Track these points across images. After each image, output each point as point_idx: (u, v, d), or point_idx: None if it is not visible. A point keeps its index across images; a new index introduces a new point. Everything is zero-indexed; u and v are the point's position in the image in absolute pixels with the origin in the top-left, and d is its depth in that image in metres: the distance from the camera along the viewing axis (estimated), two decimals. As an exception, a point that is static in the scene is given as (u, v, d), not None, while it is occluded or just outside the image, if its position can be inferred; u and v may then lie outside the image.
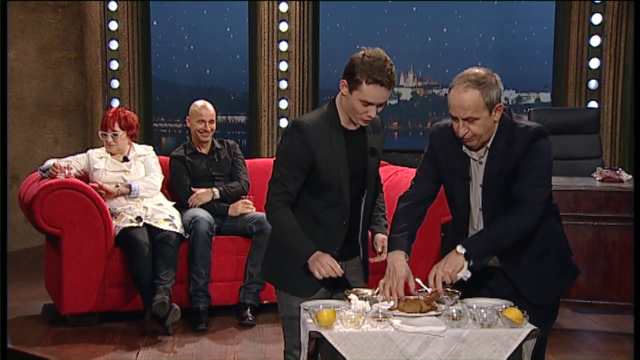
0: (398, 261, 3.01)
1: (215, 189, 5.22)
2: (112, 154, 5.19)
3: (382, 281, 3.00)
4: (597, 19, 7.36)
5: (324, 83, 7.77)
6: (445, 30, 7.86)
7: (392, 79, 2.97)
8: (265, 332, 4.80)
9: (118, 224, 4.90)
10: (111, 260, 4.86)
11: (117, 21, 7.53)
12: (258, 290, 5.04)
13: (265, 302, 5.10)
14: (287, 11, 7.59)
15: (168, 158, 5.37)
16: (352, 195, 3.08)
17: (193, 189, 5.22)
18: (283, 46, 7.62)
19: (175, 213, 5.09)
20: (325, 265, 2.95)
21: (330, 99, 3.13)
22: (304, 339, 2.84)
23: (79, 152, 5.40)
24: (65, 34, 7.44)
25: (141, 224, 4.89)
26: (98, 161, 5.16)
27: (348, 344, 2.72)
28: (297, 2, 7.58)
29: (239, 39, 7.81)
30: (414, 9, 7.90)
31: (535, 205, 2.97)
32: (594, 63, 7.40)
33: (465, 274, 2.94)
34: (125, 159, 5.19)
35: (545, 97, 7.76)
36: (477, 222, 3.10)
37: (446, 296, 2.96)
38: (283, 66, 7.64)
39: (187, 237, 4.98)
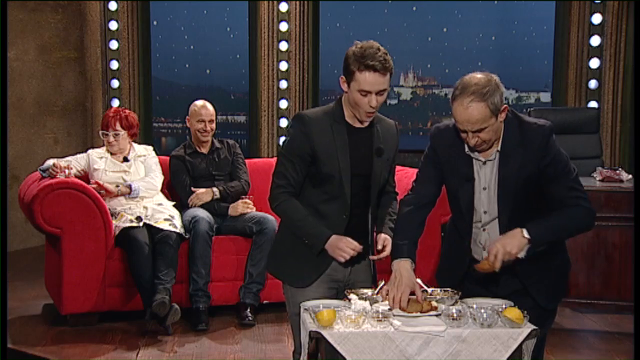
0: (405, 270, 3.00)
1: (215, 189, 5.22)
2: (112, 154, 5.19)
3: (385, 287, 3.00)
4: (597, 18, 7.37)
5: (324, 83, 7.77)
6: (445, 30, 7.86)
7: (385, 64, 2.98)
8: (265, 332, 4.80)
9: (118, 224, 4.90)
10: (111, 260, 4.86)
11: (117, 21, 7.53)
12: (258, 290, 5.04)
13: (265, 302, 5.11)
14: (287, 11, 7.60)
15: (168, 158, 5.37)
16: (355, 191, 3.08)
17: (193, 188, 5.22)
18: (283, 46, 7.63)
19: (175, 213, 5.09)
20: (346, 250, 3.00)
21: (338, 97, 3.16)
22: (304, 338, 2.84)
23: (79, 152, 5.41)
24: (65, 33, 7.44)
25: (141, 224, 4.89)
26: (98, 161, 5.16)
27: (348, 344, 2.72)
28: (297, 2, 7.58)
29: (239, 39, 7.81)
30: (414, 8, 7.90)
31: (591, 209, 3.04)
32: (594, 63, 7.41)
33: (521, 254, 2.94)
34: (126, 159, 5.19)
35: (545, 97, 7.77)
36: (481, 224, 3.06)
37: (446, 296, 2.97)
38: (283, 66, 7.65)
39: (187, 237, 4.98)
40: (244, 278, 5.07)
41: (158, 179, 5.19)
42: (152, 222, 4.90)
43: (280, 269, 3.22)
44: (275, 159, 3.19)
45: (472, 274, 3.09)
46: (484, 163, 3.03)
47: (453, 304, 2.93)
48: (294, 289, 3.13)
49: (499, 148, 3.00)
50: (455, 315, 2.79)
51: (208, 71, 8.01)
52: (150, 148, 5.36)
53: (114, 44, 7.55)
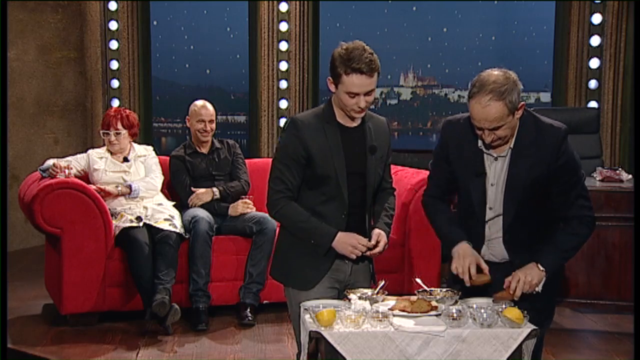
0: (464, 248, 3.03)
1: (215, 189, 5.22)
2: (112, 154, 5.19)
3: (453, 264, 3.03)
4: (597, 19, 7.37)
5: (324, 83, 7.70)
6: (445, 30, 7.86)
7: (371, 65, 2.98)
8: (265, 332, 4.80)
9: (118, 224, 4.90)
10: (111, 260, 4.86)
11: (117, 21, 7.53)
12: (258, 290, 5.03)
13: (265, 302, 5.10)
14: (287, 11, 7.60)
15: (168, 158, 5.37)
16: (351, 190, 3.09)
17: (193, 188, 5.22)
18: (283, 46, 7.63)
19: (175, 213, 5.09)
20: (358, 246, 3.04)
21: (328, 98, 3.16)
22: (304, 338, 2.84)
23: (79, 152, 5.41)
24: (65, 33, 7.44)
25: (141, 224, 4.89)
26: (98, 161, 5.16)
27: (348, 344, 2.72)
28: (297, 2, 7.58)
29: (239, 39, 7.81)
30: (414, 8, 7.90)
31: (594, 216, 3.09)
32: (594, 63, 7.41)
33: (539, 288, 3.01)
34: (126, 160, 5.19)
35: (545, 97, 7.77)
36: (488, 221, 3.07)
37: (446, 296, 2.97)
38: (283, 66, 7.65)
39: (187, 236, 4.98)
40: (244, 278, 5.07)
41: (158, 179, 5.19)
42: (152, 222, 4.90)
43: (283, 274, 3.20)
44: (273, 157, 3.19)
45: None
46: (496, 159, 3.02)
47: (453, 304, 2.93)
48: (297, 290, 3.13)
49: (511, 145, 3.00)
50: (455, 315, 2.79)
51: (208, 71, 8.01)
52: (151, 148, 5.36)
53: (114, 44, 7.55)
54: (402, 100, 7.97)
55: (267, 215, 5.03)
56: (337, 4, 7.82)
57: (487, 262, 3.07)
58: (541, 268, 2.97)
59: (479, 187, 3.04)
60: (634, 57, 7.13)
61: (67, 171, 4.92)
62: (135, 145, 5.27)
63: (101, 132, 5.21)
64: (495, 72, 2.91)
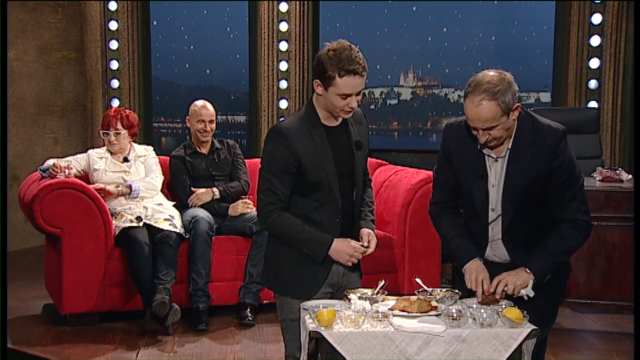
0: (476, 266, 3.02)
1: (215, 189, 5.22)
2: (112, 154, 5.19)
3: (466, 280, 3.03)
4: (597, 19, 7.37)
5: (324, 83, 7.75)
6: (445, 30, 7.86)
7: (363, 65, 2.95)
8: (265, 332, 4.80)
9: (118, 224, 4.90)
10: (111, 260, 4.86)
11: (117, 21, 7.53)
12: (258, 290, 5.03)
13: (265, 302, 5.10)
14: (287, 11, 7.60)
15: (168, 158, 5.37)
16: (342, 192, 3.06)
17: (193, 188, 5.22)
18: (283, 46, 7.63)
19: (175, 213, 5.09)
20: (355, 254, 3.03)
21: (308, 100, 3.11)
22: (304, 338, 2.84)
23: (79, 152, 5.41)
24: (65, 33, 7.44)
25: (141, 224, 4.89)
26: (98, 161, 5.16)
27: (348, 344, 2.72)
28: (297, 2, 7.59)
29: (239, 39, 7.81)
30: (414, 8, 7.90)
31: (590, 221, 3.09)
32: (594, 63, 7.41)
33: (528, 292, 2.99)
34: (126, 160, 5.19)
35: (545, 97, 7.77)
36: (491, 223, 3.07)
37: (446, 296, 2.97)
38: (283, 66, 7.65)
39: (187, 236, 4.98)
40: (244, 278, 5.07)
41: (158, 179, 5.19)
42: (152, 222, 4.90)
43: (279, 284, 3.13)
44: (260, 168, 3.14)
45: None
46: (496, 160, 3.03)
47: (453, 304, 2.93)
48: (292, 299, 3.08)
49: (510, 146, 3.00)
50: (455, 315, 2.79)
51: (208, 71, 8.01)
52: (151, 148, 5.36)
53: (114, 44, 7.55)
54: (402, 100, 7.97)
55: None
56: (337, 4, 7.82)
57: (491, 262, 3.08)
58: (528, 271, 2.98)
59: (481, 188, 3.04)
60: (634, 57, 7.13)
61: (67, 171, 4.92)
62: (135, 145, 5.27)
63: (101, 132, 5.21)
64: (491, 73, 2.92)
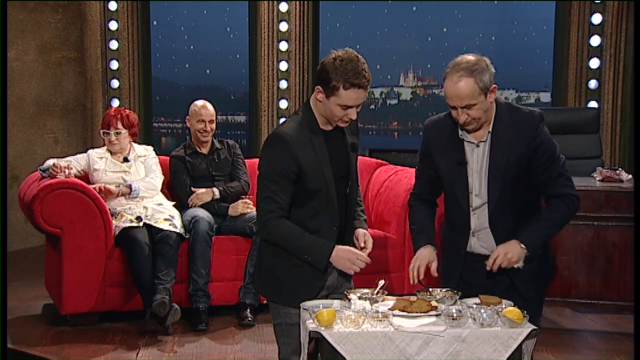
0: (423, 250, 3.15)
1: (215, 189, 5.22)
2: (112, 154, 5.19)
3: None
4: (597, 19, 7.36)
5: (324, 83, 7.75)
6: (445, 30, 7.86)
7: (368, 79, 2.94)
8: (265, 332, 4.80)
9: (118, 224, 4.90)
10: (111, 260, 4.86)
11: (117, 21, 7.53)
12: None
13: (265, 302, 5.08)
14: (287, 11, 7.60)
15: (168, 158, 5.37)
16: (338, 197, 3.03)
17: (193, 188, 5.22)
18: (283, 46, 7.63)
19: (175, 213, 5.09)
20: (357, 262, 2.98)
21: (304, 103, 3.09)
22: (304, 338, 2.84)
23: (79, 152, 5.41)
24: (65, 34, 7.44)
25: (141, 224, 4.89)
26: (98, 161, 5.16)
27: (348, 344, 2.72)
28: (297, 2, 7.58)
29: (239, 39, 7.81)
30: (414, 9, 7.90)
31: (577, 195, 3.15)
32: (594, 63, 7.41)
33: (520, 264, 3.07)
34: (126, 160, 5.19)
35: (545, 97, 7.77)
36: (472, 208, 3.12)
37: (446, 296, 2.97)
38: (283, 66, 7.65)
39: (187, 236, 4.98)
40: (244, 278, 5.07)
41: (158, 179, 5.19)
42: (152, 222, 4.90)
43: (274, 291, 3.10)
44: (258, 174, 3.11)
45: (466, 272, 3.17)
46: (477, 145, 3.10)
47: (453, 304, 2.93)
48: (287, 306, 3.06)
49: (490, 129, 3.09)
50: (455, 315, 2.79)
51: (208, 71, 8.01)
52: (151, 148, 5.36)
53: (114, 44, 7.55)
54: (402, 100, 7.97)
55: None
56: (337, 4, 7.82)
57: (477, 255, 3.14)
58: (522, 245, 3.03)
59: (462, 175, 3.11)
60: (634, 57, 7.13)
61: (67, 171, 4.92)
62: (135, 145, 5.27)
63: (101, 131, 5.21)
64: (468, 56, 3.06)
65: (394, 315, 2.82)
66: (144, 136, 7.37)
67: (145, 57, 7.66)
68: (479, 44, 7.76)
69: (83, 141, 7.47)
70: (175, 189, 5.31)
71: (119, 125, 5.13)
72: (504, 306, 2.87)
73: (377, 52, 7.60)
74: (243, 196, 5.27)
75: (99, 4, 7.44)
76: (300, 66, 7.67)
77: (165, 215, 4.98)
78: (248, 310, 4.98)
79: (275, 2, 7.57)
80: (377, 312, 2.79)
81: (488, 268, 3.03)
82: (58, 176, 4.86)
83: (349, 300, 2.92)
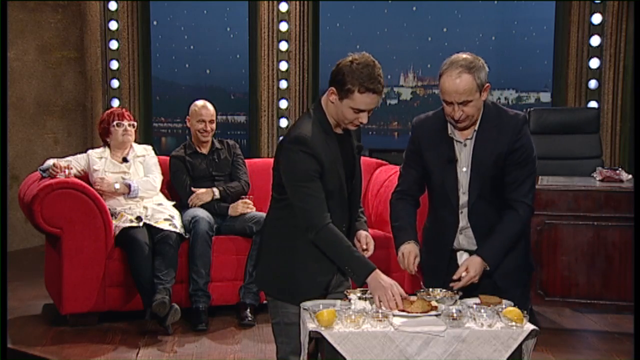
0: (407, 246, 3.17)
1: (215, 189, 5.22)
2: (111, 154, 5.18)
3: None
4: (597, 19, 7.37)
5: (324, 83, 7.77)
6: (445, 30, 7.86)
7: (383, 84, 2.96)
8: (265, 332, 4.80)
9: (118, 224, 4.90)
10: (111, 260, 4.86)
11: (117, 21, 7.53)
12: (258, 290, 5.03)
13: (265, 302, 5.08)
14: (287, 11, 7.60)
15: (168, 158, 5.37)
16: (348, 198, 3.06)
17: (193, 188, 5.22)
18: (283, 46, 7.63)
19: (175, 213, 5.09)
20: (390, 300, 2.86)
21: (314, 105, 3.08)
22: (304, 338, 2.84)
23: (79, 152, 5.40)
24: (65, 34, 7.44)
25: (141, 224, 4.89)
26: (97, 162, 5.16)
27: (348, 344, 2.72)
28: (297, 2, 7.59)
29: (239, 39, 7.81)
30: (414, 9, 7.90)
31: (533, 207, 3.23)
32: (594, 63, 7.41)
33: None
34: (125, 160, 5.19)
35: (545, 97, 7.77)
36: (459, 207, 3.18)
37: (446, 296, 2.97)
38: (283, 66, 7.65)
39: (187, 236, 4.98)
40: (244, 278, 5.07)
41: (157, 179, 5.19)
42: (152, 222, 4.90)
43: (275, 288, 3.10)
44: (274, 159, 3.12)
45: (452, 268, 3.20)
46: (464, 145, 3.16)
47: (453, 304, 2.93)
48: (288, 303, 3.05)
49: (476, 128, 3.15)
50: (455, 315, 2.79)
51: (208, 71, 8.01)
52: (150, 148, 5.36)
53: (114, 44, 7.55)
54: (402, 100, 7.97)
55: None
56: (337, 4, 7.82)
57: (468, 251, 3.20)
58: (485, 263, 3.11)
59: (451, 173, 3.17)
60: (634, 57, 7.13)
61: (67, 171, 4.92)
62: (134, 145, 5.27)
63: (115, 123, 5.16)
64: (464, 54, 3.10)
65: (394, 315, 2.82)
66: (144, 136, 7.38)
67: (145, 57, 7.66)
68: (479, 44, 7.76)
69: (83, 141, 7.47)
70: (175, 189, 5.31)
71: (130, 118, 5.18)
72: (504, 306, 2.87)
73: (377, 52, 7.49)
74: (243, 196, 5.27)
75: (99, 4, 7.44)
76: (300, 66, 7.67)
77: (165, 215, 4.99)
78: (248, 310, 4.98)
79: (275, 2, 7.57)
80: (377, 312, 2.79)
81: (452, 285, 3.07)
82: (58, 176, 4.86)
83: (349, 300, 2.92)
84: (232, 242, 5.12)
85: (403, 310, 2.87)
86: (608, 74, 7.38)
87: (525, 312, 2.83)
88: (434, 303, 2.92)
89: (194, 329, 4.82)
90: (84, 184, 4.89)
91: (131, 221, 4.89)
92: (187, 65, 7.97)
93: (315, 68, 7.71)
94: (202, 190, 5.21)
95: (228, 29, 7.95)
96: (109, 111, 5.30)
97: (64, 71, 7.46)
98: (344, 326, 2.75)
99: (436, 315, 2.86)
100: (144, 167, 5.20)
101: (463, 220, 3.20)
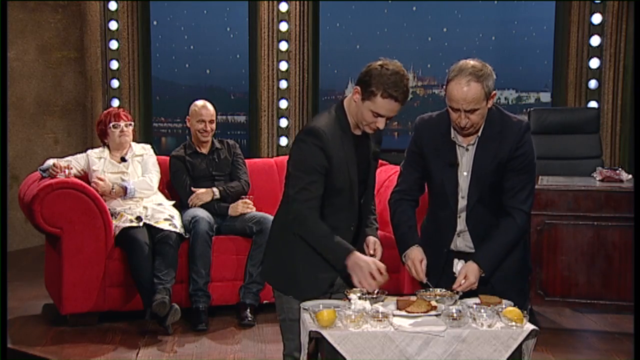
0: (413, 250, 3.17)
1: (215, 189, 5.22)
2: (110, 154, 5.18)
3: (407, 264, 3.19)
4: (597, 18, 7.36)
5: (324, 83, 7.77)
6: (445, 30, 7.86)
7: (406, 95, 2.96)
8: (265, 332, 4.80)
9: (118, 224, 4.90)
10: (111, 260, 4.86)
11: (117, 21, 7.53)
12: (258, 290, 5.04)
13: (265, 302, 5.10)
14: (287, 11, 7.60)
15: (168, 158, 5.37)
16: (359, 200, 3.09)
17: (193, 188, 5.22)
18: (283, 46, 7.63)
19: (175, 213, 5.09)
20: (367, 276, 2.89)
21: (338, 101, 3.11)
22: (304, 338, 2.84)
23: (79, 152, 5.40)
24: (65, 33, 7.44)
25: (141, 224, 4.89)
26: (97, 162, 5.16)
27: (348, 344, 2.72)
28: (297, 2, 7.58)
29: (239, 39, 7.81)
30: (414, 9, 7.90)
31: (530, 214, 3.25)
32: (594, 63, 7.41)
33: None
34: (123, 159, 5.19)
35: (545, 97, 7.77)
36: (458, 211, 3.19)
37: (446, 296, 2.97)
38: (283, 66, 7.65)
39: (187, 236, 4.98)
40: (244, 278, 5.07)
41: (154, 178, 5.17)
42: (152, 222, 4.90)
43: (281, 282, 3.13)
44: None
45: (449, 269, 3.23)
46: (467, 149, 3.17)
47: (453, 304, 2.93)
48: (292, 298, 3.07)
49: (479, 134, 3.15)
50: (455, 315, 2.79)
51: (208, 71, 8.01)
52: (148, 146, 5.35)
53: (114, 44, 7.55)
54: (402, 100, 7.96)
55: (267, 215, 5.04)
56: (337, 4, 7.82)
57: (460, 252, 3.22)
58: (481, 269, 3.10)
59: (452, 177, 3.18)
60: (634, 57, 7.13)
61: (67, 171, 4.92)
62: (133, 144, 5.27)
63: (111, 125, 5.17)
64: (472, 61, 3.08)
65: (394, 315, 2.82)
66: (144, 136, 7.38)
67: (145, 57, 7.66)
68: (479, 44, 7.76)
69: (83, 141, 7.47)
70: (175, 189, 5.31)
71: (126, 119, 5.17)
72: (504, 306, 2.87)
73: (377, 52, 7.54)
74: (243, 196, 5.27)
75: (99, 4, 7.44)
76: (300, 66, 7.67)
77: (165, 215, 4.99)
78: (248, 310, 4.98)
79: (275, 2, 7.57)
80: (377, 312, 2.79)
81: (455, 287, 3.07)
82: (58, 176, 4.86)
83: (349, 300, 2.92)
84: (232, 242, 5.12)
85: (406, 310, 2.87)
86: (608, 74, 7.38)
87: (525, 312, 2.83)
88: (434, 303, 2.92)
89: (194, 329, 4.82)
90: (84, 184, 4.89)
91: (131, 221, 4.89)
92: (187, 65, 7.97)
93: (315, 68, 7.71)
94: (202, 190, 5.21)
95: (228, 29, 7.94)
96: (105, 112, 5.30)
97: (64, 71, 7.46)
98: (344, 326, 2.75)
99: (436, 315, 2.86)
100: (142, 167, 5.20)
101: (461, 224, 3.21)
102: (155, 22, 7.76)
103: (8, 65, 6.83)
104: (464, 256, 3.20)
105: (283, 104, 7.68)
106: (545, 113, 6.16)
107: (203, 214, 5.05)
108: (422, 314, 2.86)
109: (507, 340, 2.77)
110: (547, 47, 7.61)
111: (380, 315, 2.77)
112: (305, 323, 2.84)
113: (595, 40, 7.39)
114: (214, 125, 5.34)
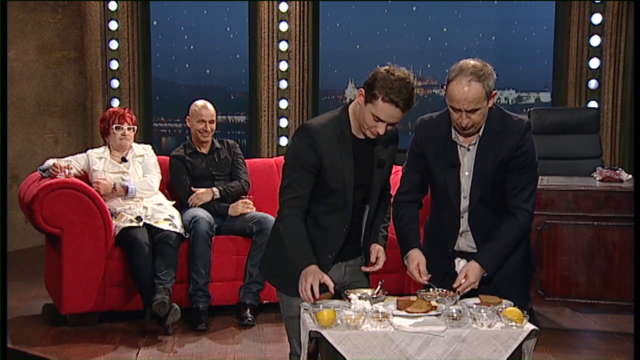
0: (414, 252, 3.16)
1: (215, 189, 5.22)
2: (110, 155, 5.18)
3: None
4: (597, 18, 7.37)
5: (324, 83, 7.77)
6: (445, 30, 7.86)
7: (409, 102, 2.96)
8: (265, 332, 4.80)
9: (118, 224, 4.90)
10: (111, 260, 4.86)
11: (117, 21, 7.53)
12: (258, 290, 5.04)
13: (265, 302, 5.11)
14: (287, 11, 7.60)
15: (168, 158, 5.37)
16: (355, 202, 3.07)
17: (193, 188, 5.22)
18: (283, 46, 7.63)
19: (175, 213, 5.09)
20: (305, 289, 2.88)
21: (345, 104, 3.12)
22: (304, 338, 2.84)
23: (79, 152, 5.40)
24: (65, 33, 7.44)
25: (141, 224, 4.89)
26: (97, 162, 5.16)
27: (348, 344, 2.72)
28: (297, 2, 7.59)
29: (239, 39, 7.81)
30: (414, 8, 7.90)
31: (533, 213, 3.23)
32: (594, 63, 7.41)
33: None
34: (124, 160, 5.19)
35: (545, 97, 7.77)
36: (461, 211, 3.19)
37: (446, 296, 2.97)
38: (283, 66, 7.65)
39: (187, 236, 4.98)
40: (244, 278, 5.07)
41: (155, 179, 5.18)
42: (152, 222, 4.90)
43: (277, 278, 3.17)
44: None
45: (452, 269, 3.22)
46: (468, 149, 3.17)
47: (453, 304, 2.93)
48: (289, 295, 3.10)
49: (480, 134, 3.15)
50: (455, 315, 2.79)
51: (208, 71, 8.01)
52: (149, 147, 5.35)
53: (114, 44, 7.55)
54: (402, 100, 7.96)
55: (267, 215, 5.04)
56: (337, 4, 7.82)
57: (463, 252, 3.21)
58: (483, 269, 3.10)
59: (454, 177, 3.17)
60: (634, 57, 7.13)
61: (67, 171, 4.91)
62: (134, 144, 5.27)
63: (114, 126, 5.16)
64: (473, 61, 3.08)
65: (394, 315, 2.82)
66: (144, 136, 7.38)
67: (145, 57, 7.66)
68: (479, 44, 7.77)
69: (83, 141, 7.47)
70: (175, 189, 5.31)
71: (130, 122, 5.16)
72: (504, 306, 2.87)
73: (377, 52, 7.60)
74: (243, 196, 5.27)
75: (99, 4, 7.44)
76: (300, 66, 7.67)
77: (165, 215, 4.99)
78: (248, 310, 4.98)
79: (275, 2, 7.58)
80: (377, 312, 2.79)
81: (456, 286, 3.07)
82: (58, 176, 4.86)
83: (349, 300, 2.92)
84: (232, 242, 5.12)
85: (406, 310, 2.88)
86: (608, 74, 7.38)
87: (525, 312, 2.83)
88: (434, 303, 2.92)
89: (194, 329, 4.82)
90: (84, 184, 4.89)
91: (131, 221, 4.89)
92: (187, 65, 7.97)
93: (315, 68, 7.71)
94: (202, 190, 5.21)
95: (228, 29, 7.95)
96: (111, 110, 5.28)
97: (64, 71, 7.46)
98: (344, 326, 2.75)
99: (436, 315, 2.86)
100: (142, 167, 5.20)
101: (464, 224, 3.21)
102: (155, 22, 7.76)
103: (8, 65, 6.83)
104: (467, 256, 3.20)
105: (283, 104, 7.68)
106: (545, 113, 6.16)
107: (203, 214, 5.05)
108: (422, 314, 2.86)
109: (507, 340, 2.77)
110: (547, 47, 7.61)
111: (380, 315, 2.77)
112: (305, 323, 2.85)
113: (595, 40, 7.39)
114: (214, 125, 5.34)
